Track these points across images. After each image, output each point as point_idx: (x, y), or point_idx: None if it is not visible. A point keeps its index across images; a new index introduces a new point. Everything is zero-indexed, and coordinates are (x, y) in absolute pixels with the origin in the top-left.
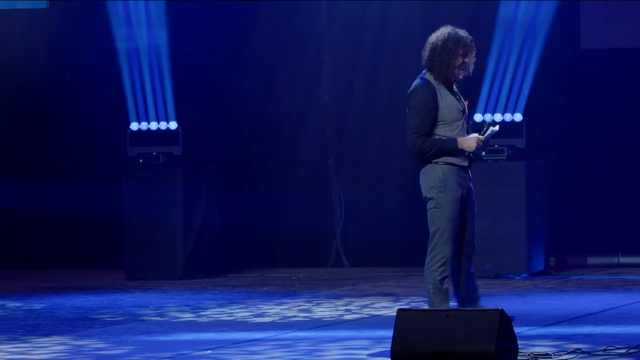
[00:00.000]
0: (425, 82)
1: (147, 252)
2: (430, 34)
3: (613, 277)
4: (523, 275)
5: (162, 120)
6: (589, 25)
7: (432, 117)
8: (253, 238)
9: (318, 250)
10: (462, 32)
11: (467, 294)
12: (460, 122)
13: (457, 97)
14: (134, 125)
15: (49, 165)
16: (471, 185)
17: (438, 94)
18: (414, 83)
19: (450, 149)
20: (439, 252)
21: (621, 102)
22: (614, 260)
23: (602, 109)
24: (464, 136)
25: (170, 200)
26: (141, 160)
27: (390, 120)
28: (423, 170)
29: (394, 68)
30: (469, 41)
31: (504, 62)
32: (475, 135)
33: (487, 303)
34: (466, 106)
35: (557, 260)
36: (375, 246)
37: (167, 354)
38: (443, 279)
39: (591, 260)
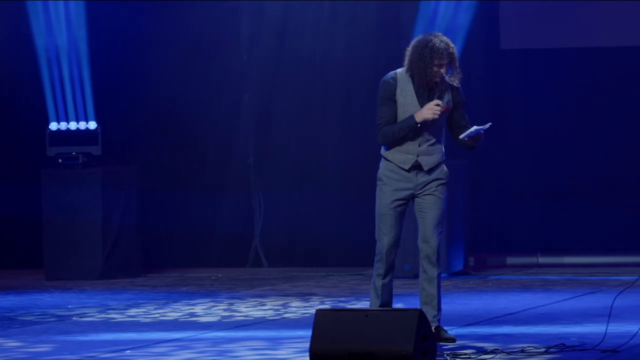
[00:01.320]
0: (393, 75)
1: (66, 252)
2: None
3: (532, 277)
4: (442, 275)
5: (82, 120)
6: (508, 25)
7: (394, 109)
8: (173, 238)
9: (238, 250)
10: (442, 42)
11: (421, 296)
12: (422, 126)
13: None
14: (53, 125)
15: None
16: (431, 184)
17: (398, 90)
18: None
19: (409, 125)
20: (377, 247)
21: (540, 102)
22: (533, 260)
23: (522, 108)
24: (428, 140)
25: (90, 200)
26: (60, 160)
27: (310, 121)
28: None
29: (314, 68)
30: (445, 52)
31: None
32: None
33: (406, 303)
34: (443, 111)
35: (476, 260)
36: (294, 246)
37: (75, 356)
38: (378, 275)
39: (510, 260)
